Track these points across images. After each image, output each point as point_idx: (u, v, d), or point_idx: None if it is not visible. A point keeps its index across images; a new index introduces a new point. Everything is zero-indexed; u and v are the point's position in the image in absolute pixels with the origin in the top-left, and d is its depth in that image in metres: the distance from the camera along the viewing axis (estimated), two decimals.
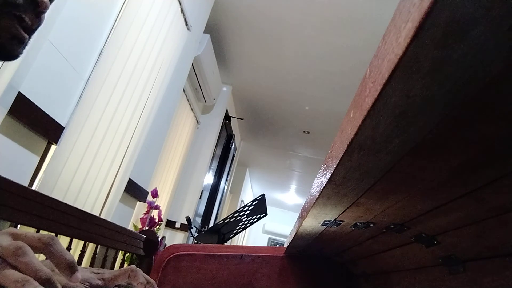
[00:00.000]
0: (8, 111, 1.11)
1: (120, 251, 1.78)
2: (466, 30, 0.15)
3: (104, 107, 1.61)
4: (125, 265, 2.04)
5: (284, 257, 0.86)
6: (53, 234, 0.33)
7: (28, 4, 0.54)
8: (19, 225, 1.02)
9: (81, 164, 1.51)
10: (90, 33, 1.47)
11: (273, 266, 0.85)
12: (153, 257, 1.87)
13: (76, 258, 1.45)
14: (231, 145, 4.95)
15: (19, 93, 1.15)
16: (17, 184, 0.96)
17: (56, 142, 1.38)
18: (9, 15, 0.52)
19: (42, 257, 0.35)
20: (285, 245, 0.83)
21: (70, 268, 0.32)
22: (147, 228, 2.33)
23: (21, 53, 0.57)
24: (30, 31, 0.57)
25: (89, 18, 1.45)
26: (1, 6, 0.51)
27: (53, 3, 0.63)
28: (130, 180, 1.98)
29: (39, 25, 0.58)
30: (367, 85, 0.22)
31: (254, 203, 1.68)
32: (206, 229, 1.91)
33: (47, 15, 0.58)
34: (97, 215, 1.61)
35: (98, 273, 0.46)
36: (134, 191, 2.15)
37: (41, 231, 1.11)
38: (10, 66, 1.07)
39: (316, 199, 0.39)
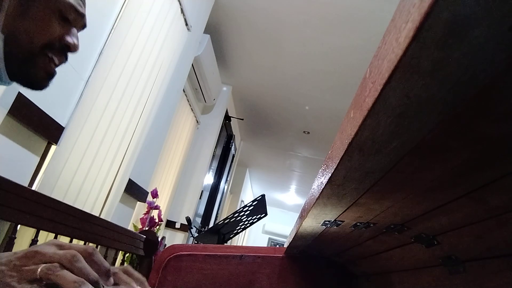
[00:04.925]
0: (8, 111, 1.11)
1: (120, 251, 1.78)
2: (466, 30, 0.15)
3: (104, 107, 1.61)
4: (127, 265, 2.04)
5: (284, 257, 0.86)
6: (93, 246, 0.39)
7: (62, 47, 0.60)
8: (19, 225, 1.02)
9: (81, 164, 1.51)
10: (90, 33, 1.47)
11: (273, 266, 0.85)
12: (153, 257, 1.87)
13: None
14: (231, 145, 4.95)
15: (19, 93, 1.15)
16: (17, 184, 0.96)
17: (56, 142, 1.38)
18: (45, 56, 0.57)
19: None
20: (285, 245, 0.83)
21: (107, 274, 0.39)
22: (147, 228, 2.33)
23: (45, 88, 0.63)
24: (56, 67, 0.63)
25: (89, 18, 1.44)
26: (43, 48, 0.58)
27: None
28: (130, 180, 1.98)
29: (64, 63, 0.64)
30: (367, 85, 0.22)
31: (254, 203, 1.68)
32: (206, 229, 1.91)
33: None
34: (97, 215, 1.61)
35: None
36: (134, 191, 2.15)
37: (41, 231, 1.11)
38: None
39: (316, 199, 0.39)
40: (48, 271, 0.34)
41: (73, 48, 0.62)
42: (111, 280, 0.39)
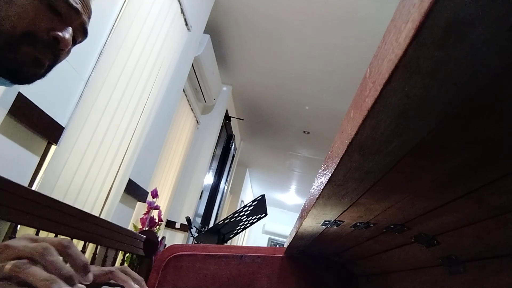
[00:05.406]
0: (8, 111, 1.11)
1: (120, 252, 1.78)
2: (466, 30, 0.15)
3: (104, 107, 1.61)
4: (125, 265, 2.04)
5: (284, 257, 0.86)
6: (69, 238, 0.36)
7: (50, 42, 0.57)
8: (19, 225, 1.02)
9: (81, 164, 1.51)
10: (90, 33, 1.47)
11: (273, 266, 0.85)
12: (153, 257, 1.87)
13: None
14: (231, 145, 4.95)
15: (19, 93, 1.15)
16: (17, 184, 0.96)
17: (56, 142, 1.38)
18: (30, 45, 0.55)
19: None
20: (285, 245, 0.83)
21: (84, 268, 0.36)
22: (147, 228, 2.33)
23: (34, 80, 0.59)
24: (47, 65, 0.60)
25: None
26: (27, 36, 0.55)
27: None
28: (130, 180, 1.98)
29: (55, 61, 0.61)
30: (367, 85, 0.22)
31: (254, 203, 1.68)
32: (206, 229, 1.91)
33: None
34: (97, 215, 1.61)
35: None
36: (134, 191, 2.15)
37: (41, 231, 1.11)
38: None
39: (316, 199, 0.39)
40: (16, 268, 0.31)
41: (62, 42, 0.58)
42: (90, 276, 0.36)
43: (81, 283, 0.36)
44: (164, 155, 3.09)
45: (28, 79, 0.60)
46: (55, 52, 0.60)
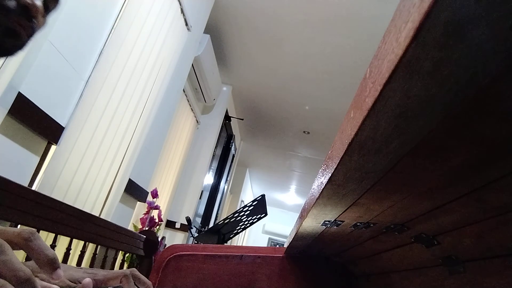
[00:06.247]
0: (8, 111, 1.11)
1: (120, 251, 1.78)
2: (466, 30, 0.15)
3: (104, 107, 1.61)
4: (125, 265, 2.04)
5: (284, 257, 0.86)
6: (35, 229, 0.30)
7: (20, 10, 0.55)
8: (19, 225, 1.02)
9: (81, 164, 1.51)
10: (90, 33, 1.47)
11: (273, 266, 0.85)
12: (153, 257, 1.87)
13: (76, 258, 1.45)
14: (231, 145, 4.95)
15: (19, 93, 1.15)
16: (17, 184, 0.96)
17: (56, 142, 1.38)
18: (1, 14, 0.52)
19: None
20: (285, 245, 0.83)
21: (51, 264, 0.29)
22: (147, 228, 2.33)
23: (15, 51, 0.57)
24: (25, 35, 0.58)
25: (89, 18, 1.45)
26: None
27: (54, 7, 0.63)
28: (130, 180, 1.98)
29: (32, 29, 0.58)
30: (367, 85, 0.22)
31: (254, 203, 1.68)
32: (206, 229, 1.91)
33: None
34: (97, 215, 1.61)
35: (91, 273, 0.45)
36: (134, 191, 2.15)
37: (41, 231, 1.11)
38: (10, 66, 1.07)
39: (316, 200, 0.39)
40: None
41: (32, 8, 0.55)
42: (59, 272, 0.30)
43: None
44: (164, 155, 3.09)
45: (8, 51, 0.58)
46: (28, 19, 0.58)
